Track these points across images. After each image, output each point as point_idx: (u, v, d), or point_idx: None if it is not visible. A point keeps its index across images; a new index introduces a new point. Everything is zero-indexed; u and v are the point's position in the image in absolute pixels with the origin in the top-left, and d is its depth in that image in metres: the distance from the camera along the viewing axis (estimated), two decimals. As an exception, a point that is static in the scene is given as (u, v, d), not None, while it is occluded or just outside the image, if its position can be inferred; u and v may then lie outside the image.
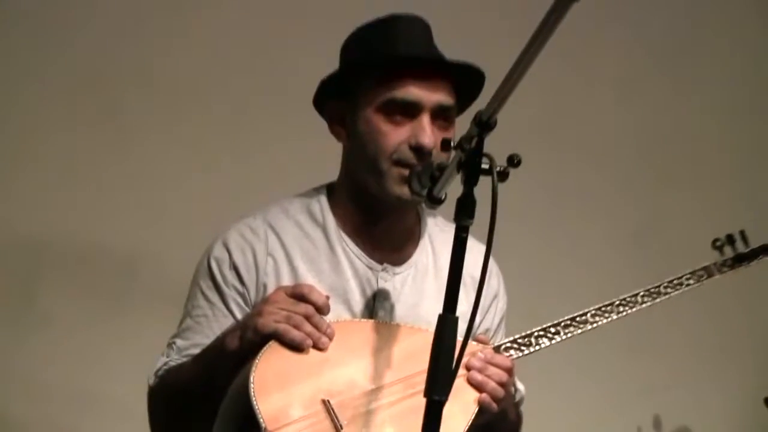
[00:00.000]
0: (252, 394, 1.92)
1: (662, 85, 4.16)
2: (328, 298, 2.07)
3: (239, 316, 2.20)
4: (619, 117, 4.11)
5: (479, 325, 2.37)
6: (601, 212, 4.03)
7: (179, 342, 2.23)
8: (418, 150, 2.14)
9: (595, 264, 3.81)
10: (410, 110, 2.16)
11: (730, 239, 2.55)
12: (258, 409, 1.91)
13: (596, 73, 4.07)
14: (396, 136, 2.16)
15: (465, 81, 2.24)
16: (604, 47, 4.07)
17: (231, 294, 2.22)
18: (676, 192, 4.13)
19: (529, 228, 3.79)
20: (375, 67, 2.19)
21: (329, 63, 2.30)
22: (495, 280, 2.43)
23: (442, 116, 2.19)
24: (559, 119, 4.02)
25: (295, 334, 2.00)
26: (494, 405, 2.09)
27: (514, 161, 1.78)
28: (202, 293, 2.24)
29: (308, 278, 2.22)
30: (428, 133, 2.14)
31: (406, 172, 2.14)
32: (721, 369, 4.07)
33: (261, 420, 1.91)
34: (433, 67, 2.19)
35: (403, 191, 2.16)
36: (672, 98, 4.17)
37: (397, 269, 2.29)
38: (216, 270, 2.23)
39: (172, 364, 2.21)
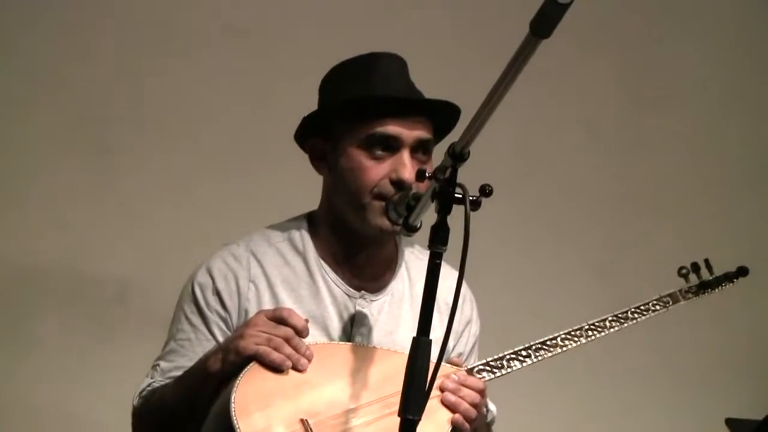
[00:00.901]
0: (233, 414, 1.96)
1: (629, 119, 4.24)
2: (307, 321, 2.12)
3: (221, 339, 2.24)
4: (589, 151, 4.18)
5: (453, 349, 2.43)
6: (571, 242, 4.09)
7: (163, 364, 2.28)
8: (399, 184, 2.20)
9: (565, 292, 3.86)
10: (390, 146, 2.23)
11: (695, 267, 2.63)
12: (238, 427, 1.95)
13: (567, 108, 4.14)
14: (377, 172, 2.23)
15: (442, 116, 2.31)
16: (575, 84, 4.14)
17: (214, 318, 2.27)
18: (643, 223, 4.20)
19: (501, 258, 3.84)
20: (356, 106, 2.25)
21: (311, 97, 2.38)
22: (468, 306, 2.50)
23: (421, 150, 2.25)
24: (531, 153, 4.08)
25: (275, 356, 2.04)
26: (467, 425, 2.14)
27: (486, 191, 1.84)
28: (186, 317, 2.29)
29: (288, 305, 2.26)
30: (408, 168, 2.20)
31: (386, 205, 2.21)
32: (683, 391, 4.13)
33: None
34: (412, 104, 2.26)
35: (384, 223, 2.22)
36: (639, 133, 4.25)
37: (374, 296, 2.35)
38: (200, 295, 2.28)
39: (156, 385, 2.25)
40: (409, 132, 2.23)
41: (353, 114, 2.25)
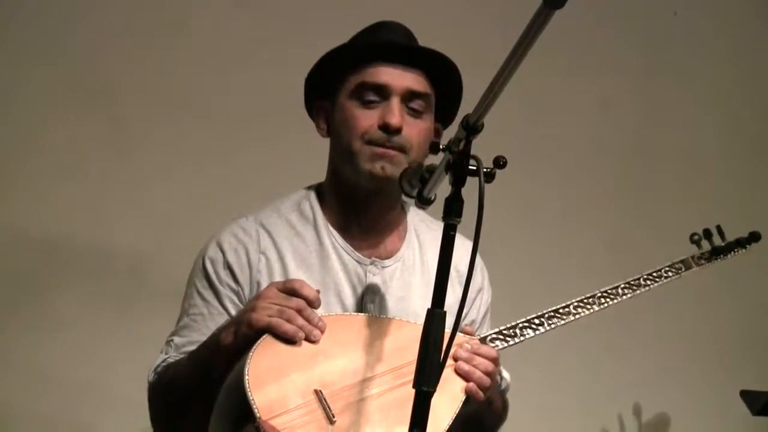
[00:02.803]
0: (247, 385, 1.96)
1: (641, 99, 4.21)
2: (318, 292, 2.11)
3: (234, 313, 2.25)
4: (599, 130, 4.15)
5: (465, 317, 2.43)
6: (581, 221, 4.06)
7: (177, 339, 2.29)
8: (386, 128, 2.22)
9: (574, 271, 3.83)
10: (380, 94, 2.25)
11: (707, 233, 2.62)
12: (253, 399, 1.95)
13: (578, 86, 4.10)
14: (367, 119, 2.25)
15: (439, 71, 2.30)
16: (587, 61, 4.11)
17: (225, 292, 2.28)
18: (655, 204, 4.18)
19: (514, 231, 3.81)
20: (348, 57, 2.28)
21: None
22: (479, 275, 2.50)
23: (414, 102, 2.27)
24: (542, 130, 4.05)
25: (288, 327, 2.04)
26: (480, 394, 2.14)
27: (500, 163, 1.84)
28: (198, 292, 2.30)
29: (299, 274, 2.27)
30: (395, 113, 2.23)
31: (378, 150, 2.23)
32: (698, 363, 4.13)
33: (255, 410, 1.95)
34: (402, 54, 2.26)
35: (374, 167, 2.24)
36: (650, 113, 4.22)
37: (385, 263, 2.36)
38: (211, 269, 2.29)
39: (171, 360, 2.26)
40: (398, 79, 2.25)
41: (346, 66, 2.28)
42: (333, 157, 2.35)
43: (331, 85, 2.32)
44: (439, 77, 2.32)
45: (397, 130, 2.22)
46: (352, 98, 2.27)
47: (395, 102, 2.24)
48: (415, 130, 2.25)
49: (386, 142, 2.24)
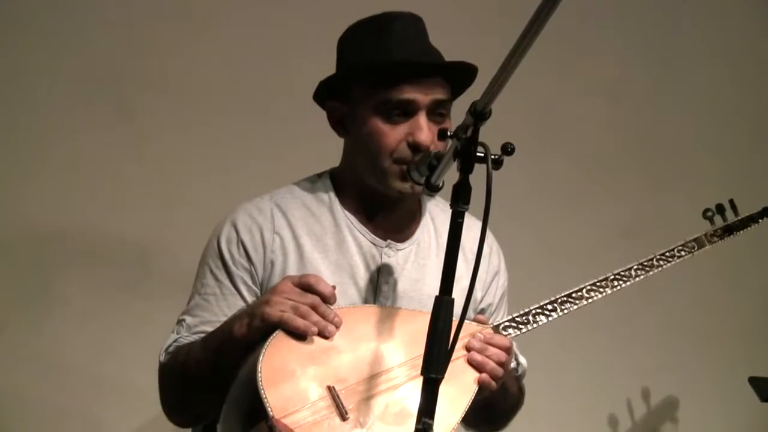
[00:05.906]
0: (260, 384, 1.94)
1: (652, 85, 4.17)
2: (334, 287, 2.09)
3: (246, 294, 2.25)
4: (610, 117, 4.11)
5: (482, 300, 2.43)
6: (593, 210, 4.04)
7: (188, 319, 2.27)
8: (416, 147, 2.19)
9: (586, 261, 3.79)
10: (407, 109, 2.20)
11: (719, 208, 2.59)
12: (266, 398, 1.93)
13: (589, 73, 4.07)
14: (395, 135, 2.21)
15: (459, 75, 2.27)
16: (597, 48, 4.07)
17: (238, 273, 2.26)
18: (666, 190, 4.14)
19: (521, 225, 3.77)
20: (372, 71, 2.22)
21: (333, 64, 2.34)
22: (496, 258, 2.49)
23: (438, 111, 2.23)
24: (552, 118, 4.01)
25: (300, 323, 2.02)
26: (493, 384, 2.13)
27: (508, 149, 1.80)
28: (211, 272, 2.28)
29: (314, 254, 2.27)
30: (425, 131, 2.19)
31: (406, 168, 2.19)
32: (707, 350, 4.11)
33: (269, 409, 1.93)
34: (428, 68, 2.22)
35: (404, 187, 2.22)
36: (661, 99, 4.18)
37: (400, 245, 2.34)
38: (225, 249, 2.28)
39: (183, 341, 2.24)
40: (425, 95, 2.21)
41: (369, 79, 2.23)
42: (353, 160, 2.32)
43: (347, 89, 2.28)
44: (458, 77, 2.29)
45: (428, 148, 2.19)
46: (377, 114, 2.22)
47: (423, 119, 2.21)
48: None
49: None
